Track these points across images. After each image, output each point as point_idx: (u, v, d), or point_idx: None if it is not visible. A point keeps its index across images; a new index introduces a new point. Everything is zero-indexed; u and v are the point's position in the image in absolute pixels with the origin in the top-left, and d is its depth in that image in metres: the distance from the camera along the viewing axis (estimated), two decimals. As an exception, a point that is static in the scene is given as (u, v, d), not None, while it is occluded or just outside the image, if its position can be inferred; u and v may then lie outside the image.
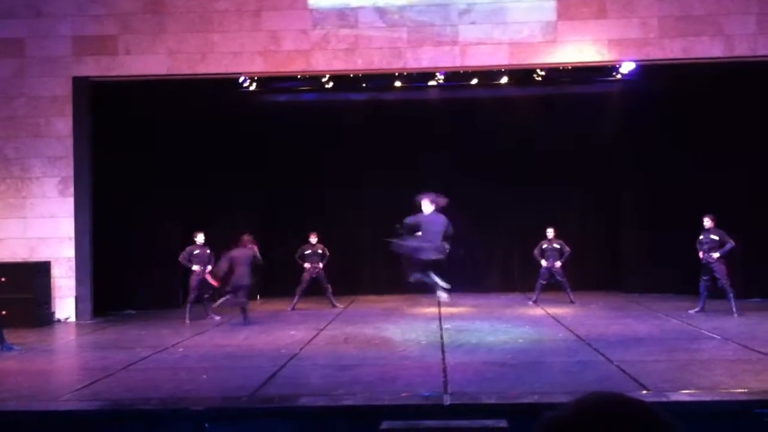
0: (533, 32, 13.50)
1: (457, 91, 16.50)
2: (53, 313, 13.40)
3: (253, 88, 15.82)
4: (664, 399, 6.35)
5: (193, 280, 13.33)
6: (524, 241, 15.85)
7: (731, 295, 12.23)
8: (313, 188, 16.66)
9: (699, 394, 6.68)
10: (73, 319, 13.51)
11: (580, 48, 13.57)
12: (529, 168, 16.34)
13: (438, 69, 14.75)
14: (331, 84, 15.70)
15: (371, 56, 13.69)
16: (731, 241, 12.42)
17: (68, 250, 13.63)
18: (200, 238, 13.58)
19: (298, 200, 16.67)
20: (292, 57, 13.70)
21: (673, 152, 15.14)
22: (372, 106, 16.73)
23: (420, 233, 10.78)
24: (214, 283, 13.28)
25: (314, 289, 14.80)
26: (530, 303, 14.51)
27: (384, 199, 15.35)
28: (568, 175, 16.33)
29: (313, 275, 14.67)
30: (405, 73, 15.28)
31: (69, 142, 13.74)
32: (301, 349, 9.82)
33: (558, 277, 14.57)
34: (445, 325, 11.67)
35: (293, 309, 14.32)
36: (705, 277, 12.61)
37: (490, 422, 5.75)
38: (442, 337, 10.50)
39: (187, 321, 12.86)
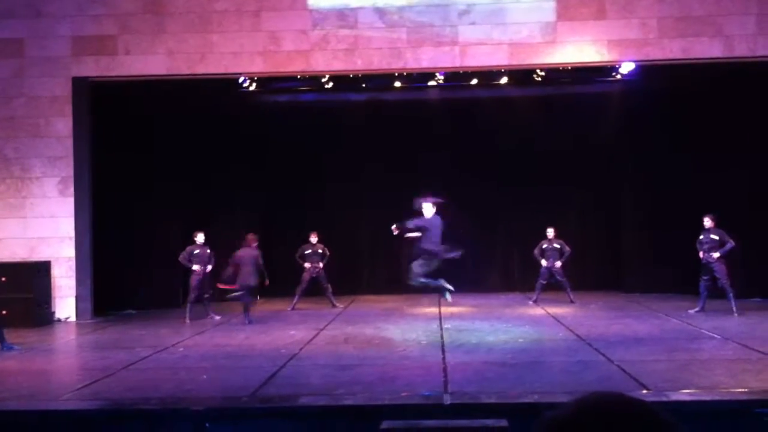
0: (533, 33, 13.50)
1: (457, 92, 16.48)
2: (53, 312, 13.41)
3: (252, 88, 15.79)
4: (664, 399, 6.35)
5: (193, 280, 13.32)
6: (524, 241, 15.82)
7: (731, 294, 12.23)
8: (313, 188, 16.67)
9: (699, 393, 6.69)
10: (73, 318, 13.52)
11: (579, 48, 13.57)
12: (529, 168, 16.33)
13: (438, 69, 14.74)
14: (330, 84, 15.67)
15: (371, 56, 13.69)
16: (731, 240, 12.42)
17: (68, 250, 13.64)
18: (200, 237, 13.58)
19: (298, 200, 16.67)
20: (291, 57, 13.70)
21: (672, 152, 15.15)
22: (372, 106, 16.71)
23: (420, 234, 10.93)
24: (228, 287, 13.21)
25: (314, 289, 14.80)
26: (530, 303, 14.51)
27: (384, 199, 15.37)
28: (568, 175, 16.32)
29: (313, 275, 14.66)
30: (405, 74, 15.26)
31: (69, 142, 13.75)
32: (301, 349, 9.83)
33: (558, 277, 14.57)
34: (445, 325, 11.68)
35: (293, 309, 14.31)
36: (705, 277, 12.61)
37: (490, 422, 5.74)
38: (442, 337, 10.51)
39: (187, 321, 12.88)
